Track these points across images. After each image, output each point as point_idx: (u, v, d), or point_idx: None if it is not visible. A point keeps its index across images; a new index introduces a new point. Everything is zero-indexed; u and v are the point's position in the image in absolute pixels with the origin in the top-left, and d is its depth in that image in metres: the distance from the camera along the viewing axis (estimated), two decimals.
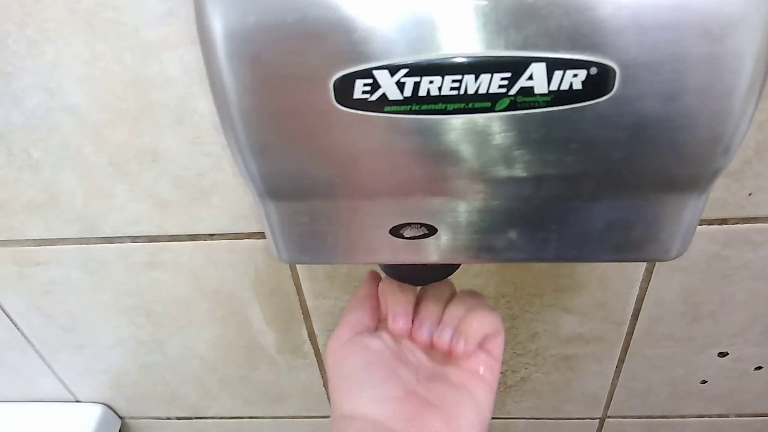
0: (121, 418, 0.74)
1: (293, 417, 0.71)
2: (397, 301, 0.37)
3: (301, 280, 0.54)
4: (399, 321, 0.37)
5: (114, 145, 0.45)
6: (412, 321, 0.37)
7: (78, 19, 0.38)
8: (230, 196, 0.48)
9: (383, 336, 0.37)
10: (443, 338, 0.36)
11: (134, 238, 0.52)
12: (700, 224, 0.46)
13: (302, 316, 0.58)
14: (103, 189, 0.48)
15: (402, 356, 0.37)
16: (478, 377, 0.35)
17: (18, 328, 0.63)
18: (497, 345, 0.37)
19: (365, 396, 0.34)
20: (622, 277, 0.51)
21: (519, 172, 0.27)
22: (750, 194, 0.44)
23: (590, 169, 0.26)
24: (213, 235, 0.51)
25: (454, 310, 0.36)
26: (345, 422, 0.33)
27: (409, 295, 0.38)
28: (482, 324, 0.35)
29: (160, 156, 0.45)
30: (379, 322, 0.39)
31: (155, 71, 0.40)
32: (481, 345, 0.36)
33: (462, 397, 0.35)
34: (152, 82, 0.41)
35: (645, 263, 0.50)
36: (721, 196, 0.44)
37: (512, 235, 0.31)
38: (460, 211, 0.30)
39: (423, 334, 0.36)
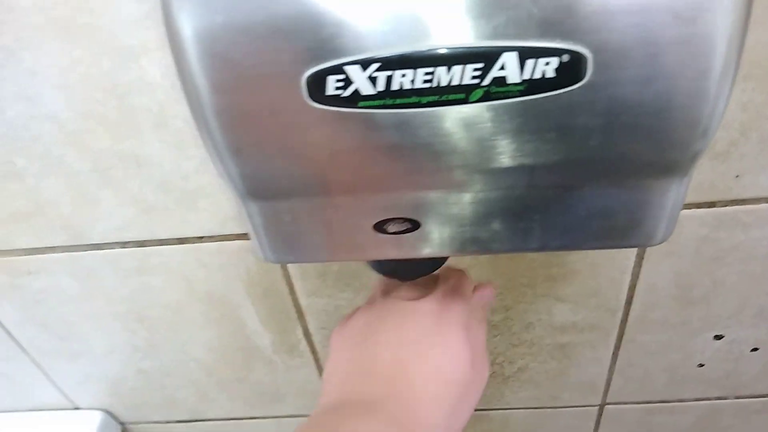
0: (121, 423, 0.74)
1: (292, 416, 0.71)
2: None
3: (293, 280, 0.54)
4: None
5: (97, 152, 0.44)
6: None
7: (54, 25, 0.38)
8: (217, 198, 0.47)
9: None
10: None
11: (123, 244, 0.51)
12: (689, 208, 0.46)
13: (296, 315, 0.58)
14: (89, 196, 0.47)
15: None
16: None
17: (13, 338, 0.63)
18: None
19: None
20: (613, 264, 0.51)
21: (497, 163, 0.27)
22: (737, 176, 0.44)
23: (569, 157, 0.26)
24: (202, 237, 0.51)
25: None
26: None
27: None
28: None
29: (143, 161, 0.45)
30: None
31: (135, 76, 0.40)
32: None
33: None
34: (132, 86, 0.41)
35: (636, 249, 0.50)
36: (708, 178, 0.44)
37: (496, 226, 0.31)
38: (441, 204, 0.30)
39: None
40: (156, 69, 0.40)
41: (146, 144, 0.44)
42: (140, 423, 0.74)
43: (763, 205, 0.46)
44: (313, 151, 0.27)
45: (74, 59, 0.39)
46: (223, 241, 0.51)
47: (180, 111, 0.42)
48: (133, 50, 0.39)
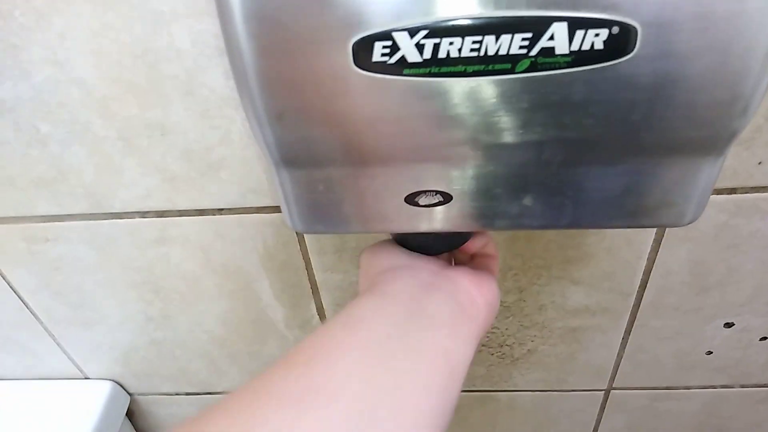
0: (130, 394, 0.75)
1: None
2: None
3: (309, 255, 0.55)
4: None
5: (123, 119, 0.44)
6: None
7: None
8: (239, 170, 0.48)
9: None
10: None
11: (143, 214, 0.52)
12: None
13: (311, 290, 0.58)
14: (112, 164, 0.48)
15: None
16: None
17: (27, 306, 0.63)
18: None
19: (407, 263, 0.34)
20: (630, 248, 0.51)
21: (537, 135, 0.27)
22: (760, 163, 0.44)
23: (609, 132, 0.26)
24: (221, 209, 0.51)
25: None
26: (398, 269, 0.33)
27: None
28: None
29: (169, 130, 0.45)
30: None
31: (165, 43, 0.40)
32: None
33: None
34: (162, 54, 0.41)
35: (654, 234, 0.50)
36: (730, 164, 0.45)
37: (528, 201, 0.31)
38: (476, 177, 0.30)
39: None
40: (186, 36, 0.40)
41: (172, 113, 0.44)
42: (149, 394, 0.74)
43: None
44: (354, 118, 0.27)
45: (105, 24, 0.39)
46: (242, 213, 0.51)
47: (207, 80, 0.42)
48: (164, 16, 0.39)
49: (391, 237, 0.39)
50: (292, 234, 0.53)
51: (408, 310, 0.29)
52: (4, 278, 0.60)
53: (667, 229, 0.50)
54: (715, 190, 0.46)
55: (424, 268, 0.34)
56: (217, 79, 0.42)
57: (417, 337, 0.27)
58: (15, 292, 0.61)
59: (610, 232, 0.50)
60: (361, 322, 0.28)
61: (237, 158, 0.47)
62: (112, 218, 0.52)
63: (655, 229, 0.50)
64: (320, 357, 0.26)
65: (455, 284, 0.33)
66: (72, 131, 0.46)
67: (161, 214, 0.51)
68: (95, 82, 0.42)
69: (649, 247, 0.51)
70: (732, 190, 0.46)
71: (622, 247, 0.51)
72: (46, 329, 0.66)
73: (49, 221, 0.53)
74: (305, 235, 0.53)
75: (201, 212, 0.51)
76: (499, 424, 0.75)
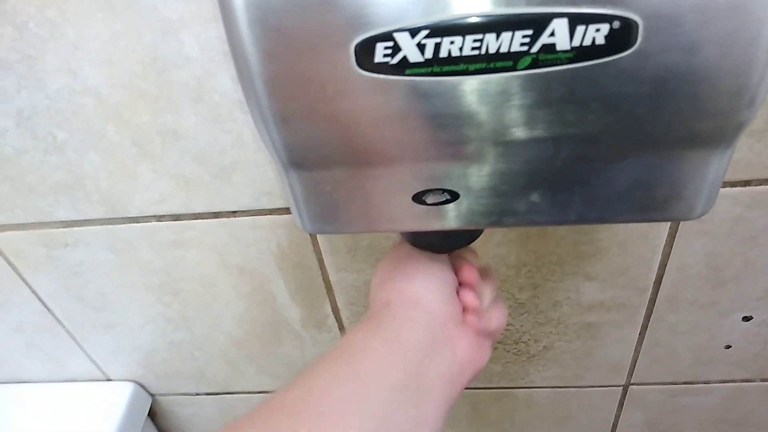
0: (151, 395, 0.76)
1: None
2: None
3: (323, 254, 0.55)
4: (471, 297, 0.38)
5: (136, 126, 0.45)
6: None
7: None
8: (251, 173, 0.48)
9: None
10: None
11: (159, 217, 0.52)
12: (723, 186, 0.46)
13: (325, 290, 0.59)
14: (128, 169, 0.48)
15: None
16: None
17: (49, 310, 0.64)
18: None
19: (434, 290, 0.36)
20: (644, 242, 0.51)
21: (541, 132, 0.27)
22: None
23: (613, 127, 0.26)
24: (235, 212, 0.52)
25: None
26: (412, 307, 0.35)
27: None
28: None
29: (181, 135, 0.46)
30: None
31: (174, 50, 0.41)
32: None
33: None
34: (171, 61, 0.41)
35: (668, 228, 0.50)
36: (744, 156, 0.44)
37: (535, 197, 0.31)
38: (482, 175, 0.30)
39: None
40: (194, 43, 0.40)
41: (184, 118, 0.44)
42: (170, 395, 0.76)
43: None
44: (358, 119, 0.27)
45: (116, 33, 0.40)
46: (256, 215, 0.52)
47: (217, 85, 0.42)
48: (173, 24, 0.39)
49: (401, 237, 0.40)
50: (306, 235, 0.53)
51: (410, 375, 0.31)
52: (26, 283, 0.61)
53: (681, 222, 0.49)
54: (729, 182, 0.46)
55: (434, 313, 0.35)
56: (227, 84, 0.42)
57: (414, 409, 0.30)
58: (37, 296, 0.63)
59: (623, 227, 0.50)
60: (369, 379, 0.30)
61: (249, 161, 0.47)
62: (129, 222, 0.53)
63: (669, 223, 0.50)
64: (331, 415, 0.28)
65: (454, 351, 0.35)
66: (87, 138, 0.47)
67: (177, 217, 0.52)
68: (108, 90, 0.43)
69: (664, 241, 0.51)
70: (746, 183, 0.46)
71: (636, 241, 0.51)
72: (68, 333, 0.68)
73: (67, 226, 0.55)
74: (318, 236, 0.54)
75: (216, 215, 0.52)
76: (516, 421, 0.75)
